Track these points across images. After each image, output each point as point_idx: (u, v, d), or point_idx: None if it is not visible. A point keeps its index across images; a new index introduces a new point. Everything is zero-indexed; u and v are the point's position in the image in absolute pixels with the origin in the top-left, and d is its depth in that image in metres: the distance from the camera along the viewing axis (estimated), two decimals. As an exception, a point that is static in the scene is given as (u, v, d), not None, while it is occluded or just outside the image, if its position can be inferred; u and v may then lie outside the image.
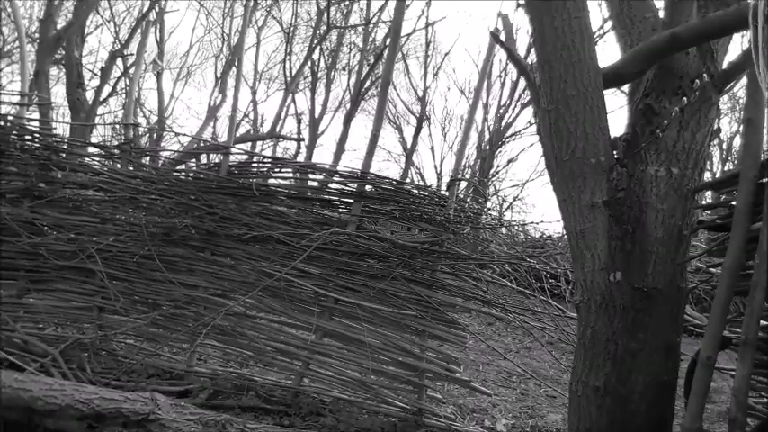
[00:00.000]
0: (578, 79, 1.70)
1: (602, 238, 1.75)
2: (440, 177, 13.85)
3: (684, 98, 1.62)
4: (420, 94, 12.91)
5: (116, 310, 3.19)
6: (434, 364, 2.80)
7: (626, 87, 1.98)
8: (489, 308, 2.77)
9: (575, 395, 1.85)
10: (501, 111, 12.80)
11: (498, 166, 13.37)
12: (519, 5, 1.80)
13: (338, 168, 2.95)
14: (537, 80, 1.84)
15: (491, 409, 3.42)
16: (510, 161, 13.24)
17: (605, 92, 1.81)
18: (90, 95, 7.14)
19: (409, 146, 13.42)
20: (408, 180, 14.01)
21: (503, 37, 2.17)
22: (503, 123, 12.27)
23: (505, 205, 14.19)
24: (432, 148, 14.17)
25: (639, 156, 1.73)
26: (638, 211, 1.77)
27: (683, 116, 1.64)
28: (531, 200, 13.73)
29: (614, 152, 1.77)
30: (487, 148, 12.20)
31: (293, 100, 12.14)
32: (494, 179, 13.40)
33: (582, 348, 1.86)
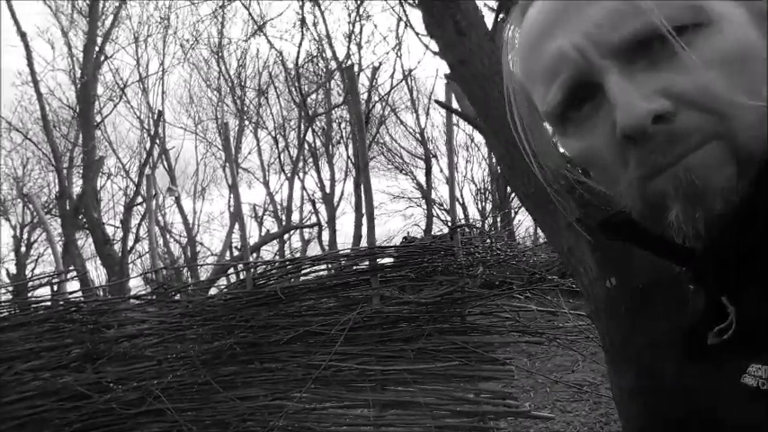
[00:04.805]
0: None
1: (588, 252, 1.86)
2: (464, 207, 13.93)
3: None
4: (418, 137, 13.29)
5: (192, 439, 3.39)
6: (491, 405, 2.88)
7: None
8: (528, 336, 2.88)
9: (615, 401, 1.91)
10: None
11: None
12: (446, 77, 2.01)
13: (347, 252, 3.16)
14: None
15: (566, 428, 3.43)
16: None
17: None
18: (119, 246, 7.69)
19: (425, 187, 13.65)
20: (434, 217, 14.18)
21: (453, 98, 2.39)
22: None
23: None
24: (447, 181, 14.28)
25: (592, 170, 1.87)
26: (608, 219, 1.87)
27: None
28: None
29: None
30: (499, 168, 12.32)
31: (303, 186, 12.66)
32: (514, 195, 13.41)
33: (607, 355, 1.94)
